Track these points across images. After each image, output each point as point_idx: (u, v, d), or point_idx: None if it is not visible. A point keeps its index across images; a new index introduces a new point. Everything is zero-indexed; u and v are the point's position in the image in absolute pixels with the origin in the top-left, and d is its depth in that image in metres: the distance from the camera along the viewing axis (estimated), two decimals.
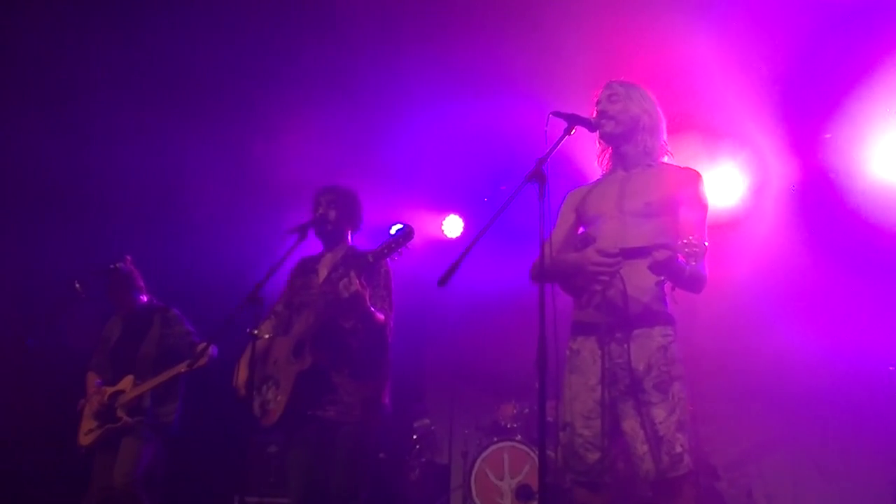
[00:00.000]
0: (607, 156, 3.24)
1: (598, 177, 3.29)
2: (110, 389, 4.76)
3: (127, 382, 4.72)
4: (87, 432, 4.76)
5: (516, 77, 5.64)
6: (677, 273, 2.73)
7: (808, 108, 5.65)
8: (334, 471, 3.77)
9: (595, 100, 3.21)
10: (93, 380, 4.93)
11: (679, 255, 2.65)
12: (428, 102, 6.22)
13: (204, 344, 4.39)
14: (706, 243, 2.68)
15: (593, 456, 2.92)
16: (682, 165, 3.22)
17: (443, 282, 2.53)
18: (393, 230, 3.82)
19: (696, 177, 3.10)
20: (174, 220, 6.55)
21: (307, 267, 4.10)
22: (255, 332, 3.70)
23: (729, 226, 5.84)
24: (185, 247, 6.36)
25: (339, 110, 6.19)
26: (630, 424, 2.87)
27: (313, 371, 3.77)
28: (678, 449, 2.82)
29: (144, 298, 5.04)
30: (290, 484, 3.88)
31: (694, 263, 2.67)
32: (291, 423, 3.82)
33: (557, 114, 2.91)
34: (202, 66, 5.99)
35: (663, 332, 2.93)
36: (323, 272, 4.04)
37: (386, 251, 3.67)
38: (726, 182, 6.04)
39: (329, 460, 3.79)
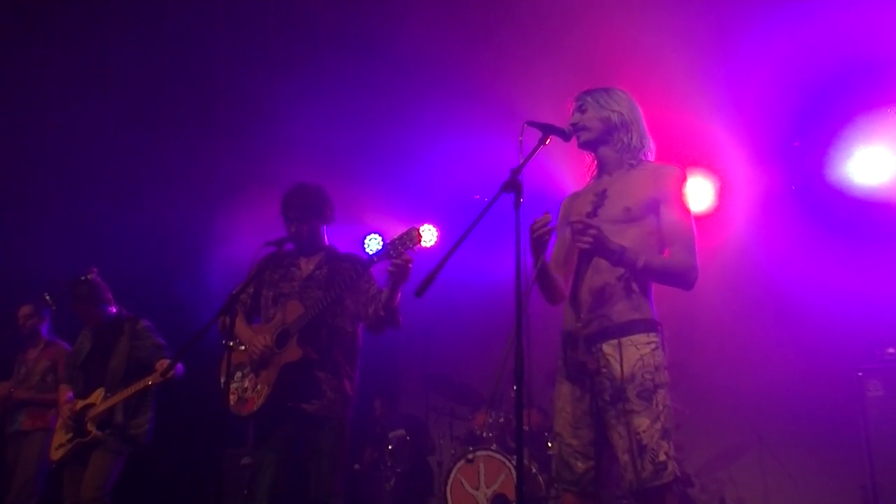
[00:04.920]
0: (593, 162, 3.20)
1: (587, 181, 3.23)
2: (81, 402, 4.70)
3: (97, 395, 4.67)
4: (58, 447, 4.69)
5: (491, 86, 5.66)
6: (609, 256, 2.79)
7: (778, 117, 5.74)
8: (317, 464, 3.72)
9: (568, 114, 3.19)
10: (64, 392, 4.86)
11: (598, 232, 2.74)
12: (403, 112, 6.22)
13: (168, 362, 4.35)
14: (594, 231, 2.74)
15: (582, 465, 2.89)
16: (663, 164, 3.11)
17: (420, 292, 2.48)
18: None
19: (674, 172, 3.02)
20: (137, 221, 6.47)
21: (284, 261, 4.03)
22: (231, 343, 3.66)
23: (697, 232, 5.89)
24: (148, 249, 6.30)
25: (315, 118, 6.15)
26: (614, 434, 2.83)
27: (298, 364, 3.72)
28: (662, 457, 2.76)
29: (113, 310, 4.96)
30: (258, 479, 3.74)
31: (586, 245, 2.74)
32: (269, 414, 3.76)
33: (532, 123, 2.87)
34: (175, 61, 5.90)
35: (647, 340, 2.88)
36: (305, 267, 4.00)
37: (392, 252, 3.56)
38: (696, 188, 6.12)
39: (310, 454, 3.75)
